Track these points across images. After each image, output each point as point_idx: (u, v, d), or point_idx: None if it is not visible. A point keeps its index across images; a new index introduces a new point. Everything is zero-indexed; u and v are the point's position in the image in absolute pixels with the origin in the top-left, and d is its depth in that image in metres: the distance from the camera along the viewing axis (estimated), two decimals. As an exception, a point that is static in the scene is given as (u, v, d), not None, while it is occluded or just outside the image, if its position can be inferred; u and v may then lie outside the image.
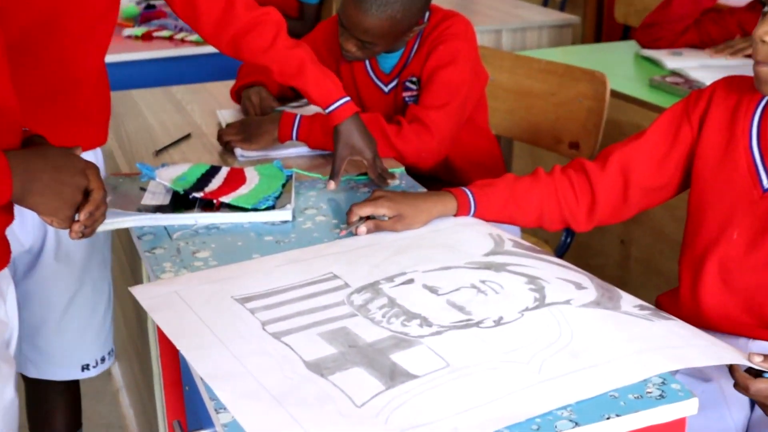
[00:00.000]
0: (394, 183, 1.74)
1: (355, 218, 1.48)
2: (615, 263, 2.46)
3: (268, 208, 1.56)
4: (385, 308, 1.24)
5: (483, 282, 1.30)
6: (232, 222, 1.54)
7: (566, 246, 2.26)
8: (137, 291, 1.30)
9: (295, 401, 1.03)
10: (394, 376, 1.08)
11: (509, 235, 1.51)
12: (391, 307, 1.24)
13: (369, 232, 1.48)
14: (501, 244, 1.45)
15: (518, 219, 1.56)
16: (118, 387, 2.58)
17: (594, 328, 1.18)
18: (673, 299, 1.56)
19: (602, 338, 1.16)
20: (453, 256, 1.40)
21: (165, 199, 1.60)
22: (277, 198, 1.61)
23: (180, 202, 1.58)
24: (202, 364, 1.11)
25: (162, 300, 1.27)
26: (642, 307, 1.26)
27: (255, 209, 1.56)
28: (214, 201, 1.57)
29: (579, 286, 1.30)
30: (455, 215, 1.53)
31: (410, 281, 1.31)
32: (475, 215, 1.54)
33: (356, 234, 1.48)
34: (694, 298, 1.46)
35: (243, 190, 1.62)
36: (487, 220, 1.55)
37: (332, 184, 1.69)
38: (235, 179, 1.67)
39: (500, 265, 1.36)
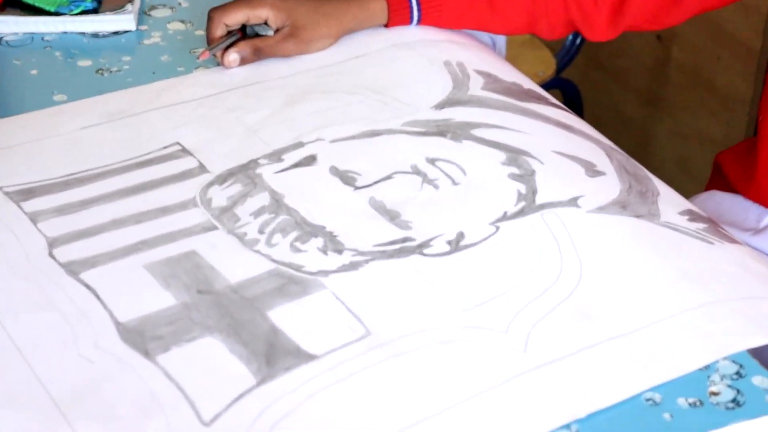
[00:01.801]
0: None
1: (218, 32, 1.17)
2: (645, 69, 2.23)
3: (85, 12, 1.26)
4: (266, 214, 0.98)
5: (432, 162, 1.02)
6: (25, 33, 1.25)
7: (575, 49, 2.03)
8: None
9: (89, 411, 0.76)
10: (273, 355, 0.81)
11: (481, 52, 1.25)
12: (275, 211, 0.98)
13: (245, 62, 1.18)
14: (464, 81, 1.19)
15: (494, 25, 1.27)
16: None
17: (617, 256, 0.92)
18: (744, 158, 1.35)
19: (631, 280, 0.90)
20: (383, 108, 1.11)
21: None
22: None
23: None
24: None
25: None
26: (693, 216, 1.00)
27: (59, 12, 1.25)
28: (-5, -5, 1.23)
29: (591, 169, 1.03)
30: (386, 26, 1.25)
31: (310, 160, 1.03)
32: (421, 24, 1.26)
33: (224, 65, 1.19)
34: None
35: None
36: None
37: None
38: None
39: (462, 126, 1.08)
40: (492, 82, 1.17)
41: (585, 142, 1.09)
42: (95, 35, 1.27)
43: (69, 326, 0.84)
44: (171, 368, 0.80)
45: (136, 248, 0.92)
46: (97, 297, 0.87)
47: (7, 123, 1.09)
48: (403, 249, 0.92)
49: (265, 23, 1.19)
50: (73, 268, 0.90)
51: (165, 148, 1.06)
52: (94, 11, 1.27)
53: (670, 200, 1.02)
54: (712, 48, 2.05)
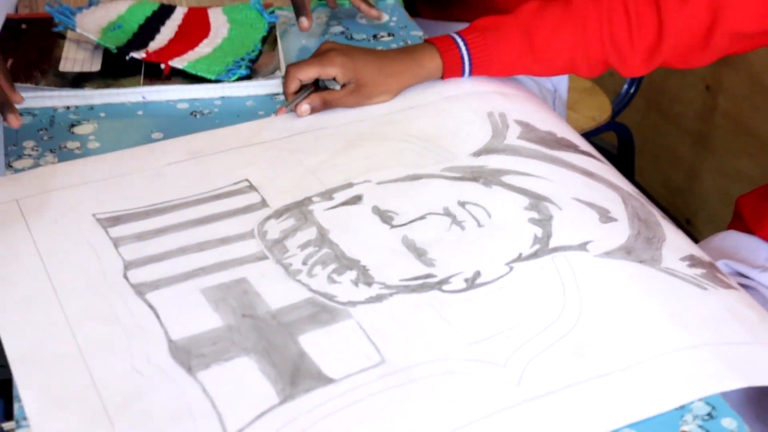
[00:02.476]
0: (383, 19, 1.43)
1: (293, 86, 1.14)
2: (696, 114, 2.13)
3: (240, 78, 1.21)
4: (311, 247, 0.96)
5: (462, 205, 0.97)
6: (189, 98, 1.20)
7: (629, 97, 1.94)
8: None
9: (131, 416, 0.75)
10: (297, 377, 0.78)
11: (524, 101, 1.20)
12: (319, 245, 0.96)
13: (314, 111, 1.15)
14: (502, 131, 1.14)
15: (538, 70, 1.20)
16: None
17: (615, 299, 0.86)
18: (760, 201, 1.26)
19: (625, 321, 0.84)
20: (427, 155, 1.06)
21: (92, 62, 1.26)
22: (254, 60, 1.25)
23: (111, 64, 1.24)
24: (13, 335, 0.82)
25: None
26: (693, 262, 0.93)
27: (219, 80, 1.20)
28: (162, 65, 1.22)
29: (605, 215, 0.97)
30: (442, 78, 1.20)
31: (356, 199, 0.99)
32: (472, 75, 1.20)
33: (297, 114, 1.15)
34: None
35: (205, 48, 1.26)
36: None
37: (305, 22, 1.31)
38: (194, 29, 1.32)
39: (494, 172, 1.03)
40: (528, 131, 1.11)
41: (605, 188, 1.03)
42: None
43: (128, 340, 0.83)
44: (208, 384, 0.78)
45: (196, 273, 0.90)
46: (157, 316, 0.85)
47: (106, 158, 1.09)
48: (425, 284, 0.88)
49: (334, 79, 1.16)
50: (141, 289, 0.88)
51: (235, 183, 1.03)
52: (248, 77, 1.22)
53: (674, 246, 0.95)
54: (752, 97, 1.94)
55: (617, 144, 2.14)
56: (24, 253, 0.93)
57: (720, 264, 1.23)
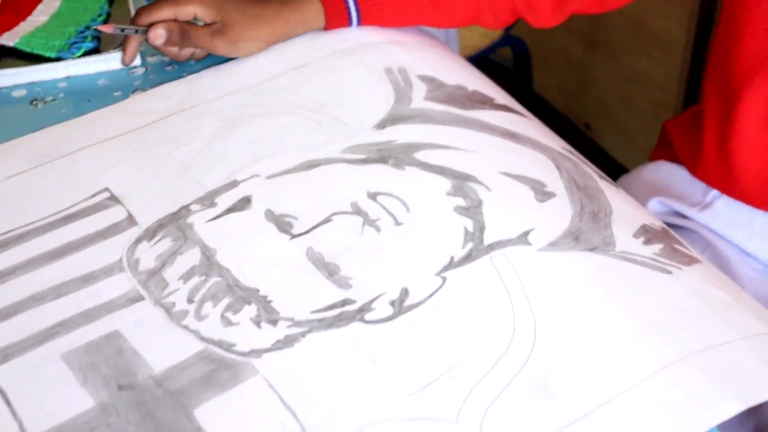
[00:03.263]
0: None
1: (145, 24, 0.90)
2: (588, 16, 1.90)
3: (87, 53, 0.95)
4: (196, 277, 0.73)
5: (374, 197, 0.76)
6: (26, 83, 0.94)
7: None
8: None
9: None
10: None
11: (424, 50, 0.97)
12: (206, 272, 0.73)
13: (170, 42, 0.90)
14: (406, 91, 0.91)
15: (437, 20, 0.99)
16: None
17: (573, 308, 0.67)
18: (690, 131, 1.09)
19: (589, 337, 0.65)
20: (320, 131, 0.84)
21: None
22: (103, 24, 0.97)
23: None
24: None
25: None
26: (648, 236, 0.75)
27: (60, 58, 0.94)
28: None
29: (540, 191, 0.77)
30: (325, 29, 0.97)
31: (245, 203, 0.76)
32: (362, 24, 0.97)
33: (149, 41, 0.90)
34: (722, 155, 0.99)
35: (39, 17, 1.00)
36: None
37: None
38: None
39: (404, 148, 0.81)
40: (435, 88, 0.90)
41: (532, 152, 0.84)
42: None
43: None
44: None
45: (54, 332, 0.68)
46: (7, 403, 0.63)
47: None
48: (342, 315, 0.68)
49: (195, 20, 0.91)
50: (-16, 364, 0.65)
51: (93, 196, 0.80)
52: (96, 51, 0.96)
53: (624, 218, 0.77)
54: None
55: (512, 58, 1.94)
56: None
57: (654, 202, 1.06)
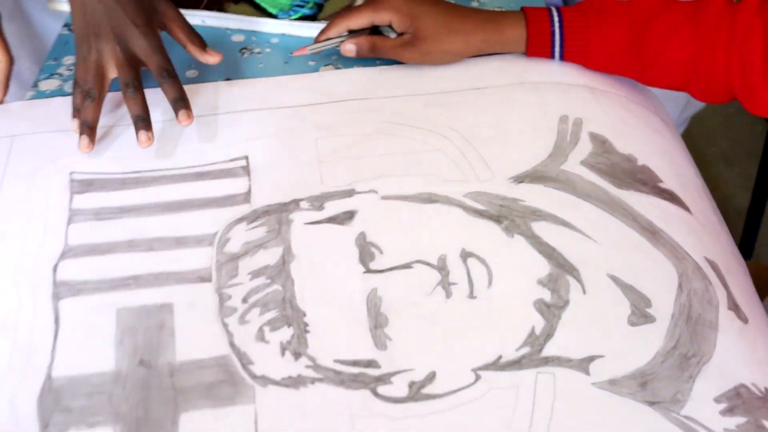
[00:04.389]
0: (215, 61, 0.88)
1: (333, 33, 0.84)
2: None
3: (303, 18, 0.92)
4: (262, 278, 0.69)
5: (466, 258, 0.67)
6: (248, 30, 0.92)
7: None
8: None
9: None
10: None
11: (616, 105, 0.81)
12: (273, 277, 0.69)
13: (360, 55, 0.84)
14: (566, 147, 0.76)
15: (643, 77, 0.82)
16: None
17: None
18: None
19: None
20: (458, 165, 0.74)
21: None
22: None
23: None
24: None
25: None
26: (733, 403, 0.58)
27: (277, 17, 0.92)
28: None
29: (640, 311, 0.63)
30: (527, 54, 0.85)
31: (347, 217, 0.69)
32: (565, 59, 0.83)
33: (342, 52, 0.84)
34: None
35: None
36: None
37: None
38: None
39: (526, 213, 0.70)
40: (600, 152, 0.76)
41: (663, 259, 0.68)
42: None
43: (6, 366, 0.62)
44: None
45: (125, 284, 0.67)
46: (55, 337, 0.64)
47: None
48: (359, 377, 0.60)
49: (390, 27, 0.84)
50: (59, 291, 0.67)
51: (231, 160, 0.77)
52: (313, 17, 0.93)
53: (720, 371, 0.61)
54: None
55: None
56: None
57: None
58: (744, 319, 0.66)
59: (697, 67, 0.78)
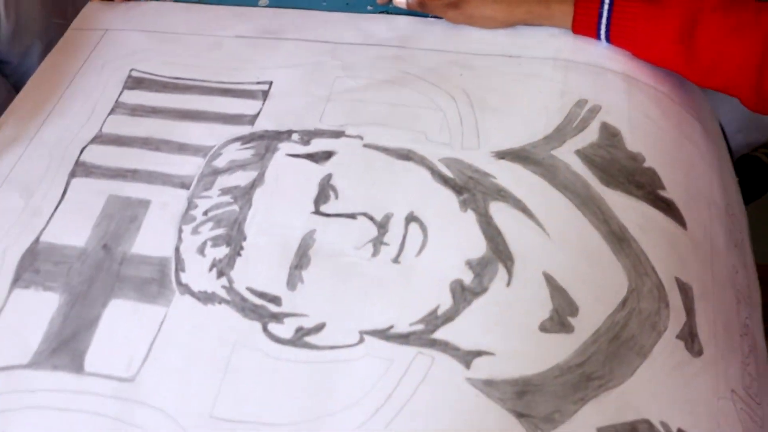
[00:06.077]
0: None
1: None
2: None
3: None
4: (227, 197, 0.63)
5: (409, 221, 0.58)
6: None
7: None
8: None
9: None
10: (60, 348, 0.55)
11: (644, 96, 0.66)
12: (236, 198, 0.61)
13: (410, 7, 0.76)
14: (566, 134, 0.63)
15: (687, 68, 0.65)
16: None
17: None
18: None
19: None
20: (450, 129, 0.64)
21: None
22: None
23: None
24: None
25: (81, 39, 0.77)
26: None
27: None
28: None
29: (560, 318, 0.52)
30: (573, 31, 0.71)
31: (325, 157, 0.63)
32: (612, 42, 0.70)
33: (394, 3, 0.77)
34: None
35: None
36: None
37: None
38: None
39: (490, 192, 0.59)
40: (602, 145, 0.63)
41: (616, 268, 0.57)
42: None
43: (14, 221, 0.64)
44: (9, 304, 0.58)
45: (124, 174, 0.67)
46: (55, 207, 0.65)
47: (194, 8, 0.82)
48: (258, 309, 0.57)
49: None
50: (76, 170, 0.68)
51: (257, 83, 0.73)
52: None
53: (621, 401, 0.50)
54: None
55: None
56: (57, 85, 0.74)
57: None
58: (695, 352, 0.54)
59: (748, 71, 0.62)
